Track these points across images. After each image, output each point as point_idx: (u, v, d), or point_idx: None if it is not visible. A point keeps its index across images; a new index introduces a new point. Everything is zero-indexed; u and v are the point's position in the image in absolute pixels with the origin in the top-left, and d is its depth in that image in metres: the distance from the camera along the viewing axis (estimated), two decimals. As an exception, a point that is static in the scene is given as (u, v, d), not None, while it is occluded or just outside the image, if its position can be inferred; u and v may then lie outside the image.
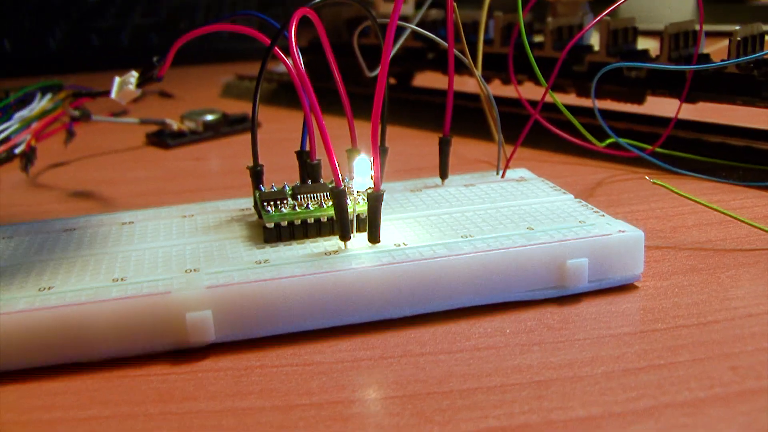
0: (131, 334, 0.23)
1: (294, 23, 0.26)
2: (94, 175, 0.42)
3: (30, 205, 0.38)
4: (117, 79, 0.38)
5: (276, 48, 0.28)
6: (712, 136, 0.40)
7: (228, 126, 0.50)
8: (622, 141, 0.37)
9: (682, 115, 0.39)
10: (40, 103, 0.53)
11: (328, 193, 0.27)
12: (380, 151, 0.30)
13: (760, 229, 0.30)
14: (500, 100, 0.44)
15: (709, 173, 0.37)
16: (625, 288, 0.27)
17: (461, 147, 0.44)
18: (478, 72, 0.33)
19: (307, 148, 0.29)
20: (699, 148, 0.40)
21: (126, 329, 0.23)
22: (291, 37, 0.25)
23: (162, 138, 0.48)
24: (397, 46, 0.41)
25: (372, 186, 0.25)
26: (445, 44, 0.31)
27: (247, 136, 0.49)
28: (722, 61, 0.34)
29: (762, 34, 0.38)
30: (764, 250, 0.29)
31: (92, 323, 0.22)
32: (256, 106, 0.28)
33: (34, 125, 0.49)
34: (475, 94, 0.47)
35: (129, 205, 0.37)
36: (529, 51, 0.32)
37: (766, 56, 0.36)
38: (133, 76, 0.37)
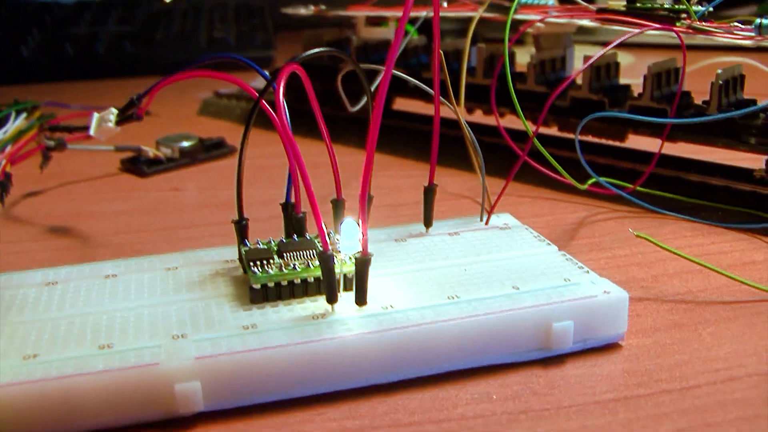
0: (119, 405, 0.23)
1: (282, 81, 0.26)
2: (70, 207, 0.42)
3: (6, 243, 0.37)
4: (96, 116, 0.37)
5: (263, 101, 0.28)
6: (692, 174, 0.40)
7: (205, 152, 0.50)
8: (603, 180, 0.37)
9: (664, 150, 0.39)
10: (15, 124, 0.53)
11: (314, 252, 0.27)
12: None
13: (738, 281, 0.31)
14: (482, 129, 0.44)
15: (690, 213, 0.38)
16: (608, 347, 0.27)
17: (443, 178, 0.44)
18: (461, 110, 0.33)
19: (292, 200, 0.29)
20: (679, 186, 0.40)
21: (114, 401, 0.22)
22: (279, 96, 0.25)
23: (138, 165, 0.47)
24: (376, 83, 0.41)
25: (360, 249, 0.25)
26: (431, 91, 0.31)
27: (225, 162, 0.50)
28: (704, 107, 0.34)
29: (742, 76, 0.39)
30: (743, 303, 0.30)
31: (79, 395, 0.22)
32: (242, 164, 0.28)
33: (9, 148, 0.49)
34: (457, 121, 0.47)
35: (109, 245, 0.37)
36: (516, 102, 0.32)
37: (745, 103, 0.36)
38: (112, 113, 0.37)
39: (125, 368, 0.22)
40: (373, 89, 0.31)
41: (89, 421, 0.22)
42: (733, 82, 0.38)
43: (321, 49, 0.28)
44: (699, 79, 0.41)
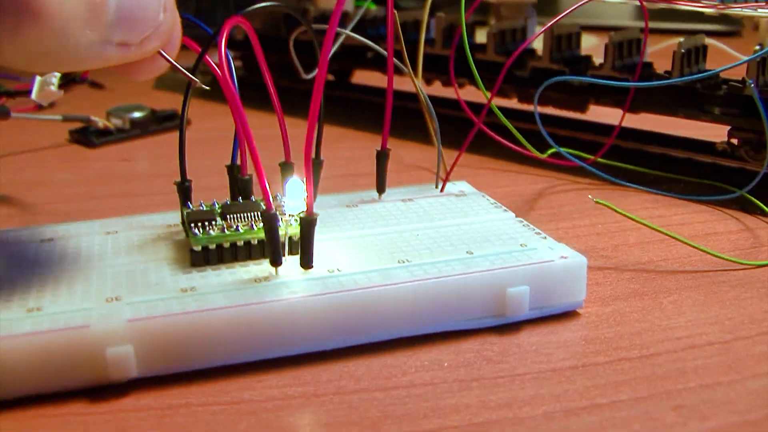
0: (47, 370, 0.21)
1: (225, 33, 0.24)
2: (14, 177, 0.40)
3: (-56, 211, 0.35)
4: (38, 79, 0.36)
5: (206, 57, 0.27)
6: (653, 146, 0.39)
7: (157, 123, 0.48)
8: (564, 151, 0.36)
9: (624, 123, 0.38)
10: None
11: (258, 214, 0.26)
12: (315, 164, 0.29)
13: (700, 249, 0.30)
14: (441, 102, 0.43)
15: (651, 185, 0.37)
16: (566, 315, 0.26)
17: (399, 150, 0.43)
18: (419, 81, 0.32)
19: (238, 162, 0.28)
20: (640, 158, 0.39)
21: (41, 366, 0.21)
22: (221, 49, 0.24)
23: (87, 136, 0.46)
24: (335, 47, 0.40)
25: (305, 209, 0.24)
26: (385, 53, 0.30)
27: (177, 134, 0.48)
28: (666, 76, 0.34)
29: (704, 46, 0.38)
30: (705, 272, 0.29)
31: (4, 359, 0.21)
32: (184, 121, 0.27)
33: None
34: (414, 94, 0.46)
35: (53, 213, 0.35)
36: (473, 65, 0.31)
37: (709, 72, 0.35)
38: (55, 76, 0.35)
39: (53, 330, 0.21)
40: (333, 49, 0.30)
41: (14, 386, 0.21)
42: (695, 52, 0.37)
43: (266, 3, 0.27)
44: (661, 59, 0.40)
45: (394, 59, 0.29)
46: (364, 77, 0.53)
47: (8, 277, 0.24)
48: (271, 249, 0.24)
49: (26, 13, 0.19)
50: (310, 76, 0.41)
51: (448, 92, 0.46)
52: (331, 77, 0.55)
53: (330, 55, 0.26)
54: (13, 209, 0.36)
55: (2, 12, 0.19)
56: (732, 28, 0.83)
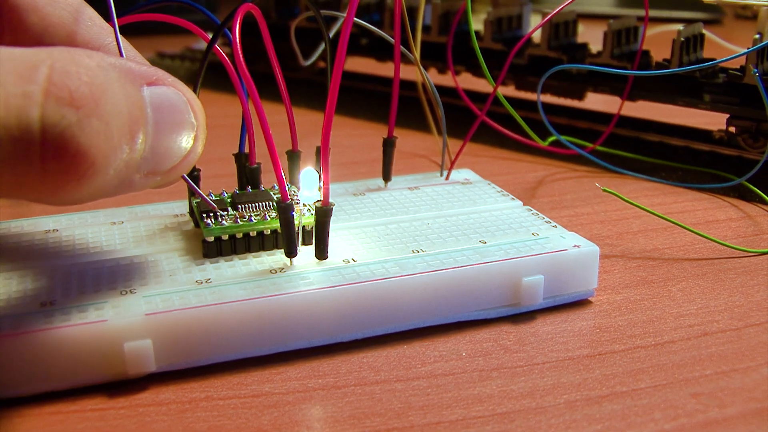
0: (64, 366, 0.21)
1: (238, 21, 0.24)
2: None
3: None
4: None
5: (216, 47, 0.26)
6: (651, 134, 0.39)
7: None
8: (564, 139, 0.36)
9: (623, 111, 0.39)
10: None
11: (271, 204, 0.25)
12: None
13: (704, 237, 0.30)
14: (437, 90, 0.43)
15: (649, 173, 0.37)
16: (578, 303, 0.26)
17: (398, 139, 0.43)
18: (424, 72, 0.32)
19: (246, 150, 0.28)
20: (638, 146, 0.39)
21: (58, 361, 0.21)
22: (235, 38, 0.23)
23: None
24: (332, 32, 0.39)
25: (320, 199, 0.24)
26: (392, 40, 0.29)
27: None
28: (666, 64, 0.34)
29: (702, 35, 0.38)
30: (710, 260, 0.29)
31: (19, 356, 0.20)
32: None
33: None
34: (410, 82, 0.46)
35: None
36: (480, 55, 0.31)
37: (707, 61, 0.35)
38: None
39: (69, 326, 0.21)
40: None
41: (31, 383, 0.21)
42: (693, 41, 0.37)
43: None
44: (650, 46, 0.40)
45: (401, 47, 0.29)
46: (356, 63, 0.52)
47: (18, 269, 0.24)
48: (286, 240, 0.23)
49: (74, 174, 0.18)
50: (309, 62, 0.41)
51: (443, 80, 0.46)
52: (322, 64, 0.54)
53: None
54: (5, 200, 0.35)
55: (46, 174, 0.18)
56: (714, 16, 0.83)
